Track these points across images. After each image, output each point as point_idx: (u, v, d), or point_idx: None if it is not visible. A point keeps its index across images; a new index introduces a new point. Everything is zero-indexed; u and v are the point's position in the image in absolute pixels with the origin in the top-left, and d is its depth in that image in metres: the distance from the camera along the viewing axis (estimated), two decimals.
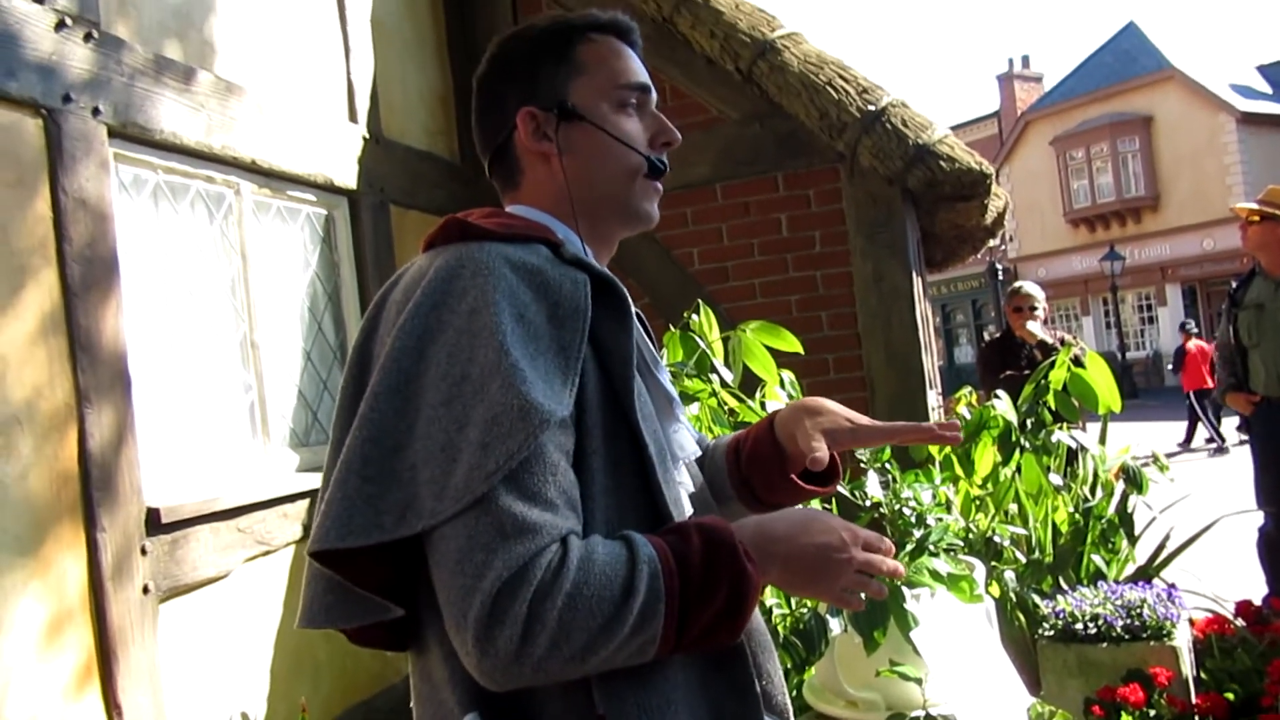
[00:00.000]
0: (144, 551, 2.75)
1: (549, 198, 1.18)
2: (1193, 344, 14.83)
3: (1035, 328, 5.23)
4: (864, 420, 1.25)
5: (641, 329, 1.19)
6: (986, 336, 31.10)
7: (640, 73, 1.22)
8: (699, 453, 1.24)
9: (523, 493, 0.92)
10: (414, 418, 0.96)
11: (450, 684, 1.01)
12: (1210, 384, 14.58)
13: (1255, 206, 4.45)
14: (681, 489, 1.15)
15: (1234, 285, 4.72)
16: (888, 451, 3.01)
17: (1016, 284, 5.59)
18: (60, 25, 2.66)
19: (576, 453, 1.00)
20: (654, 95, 1.24)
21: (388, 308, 1.09)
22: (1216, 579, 4.08)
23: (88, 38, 2.74)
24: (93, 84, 2.75)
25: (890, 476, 3.03)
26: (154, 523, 2.78)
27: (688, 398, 2.61)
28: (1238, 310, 4.51)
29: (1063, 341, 5.23)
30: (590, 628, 0.90)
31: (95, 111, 2.75)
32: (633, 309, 1.09)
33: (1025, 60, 33.30)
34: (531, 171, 1.19)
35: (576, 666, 0.92)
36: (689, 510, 1.12)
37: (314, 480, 3.45)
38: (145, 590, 2.74)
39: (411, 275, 1.09)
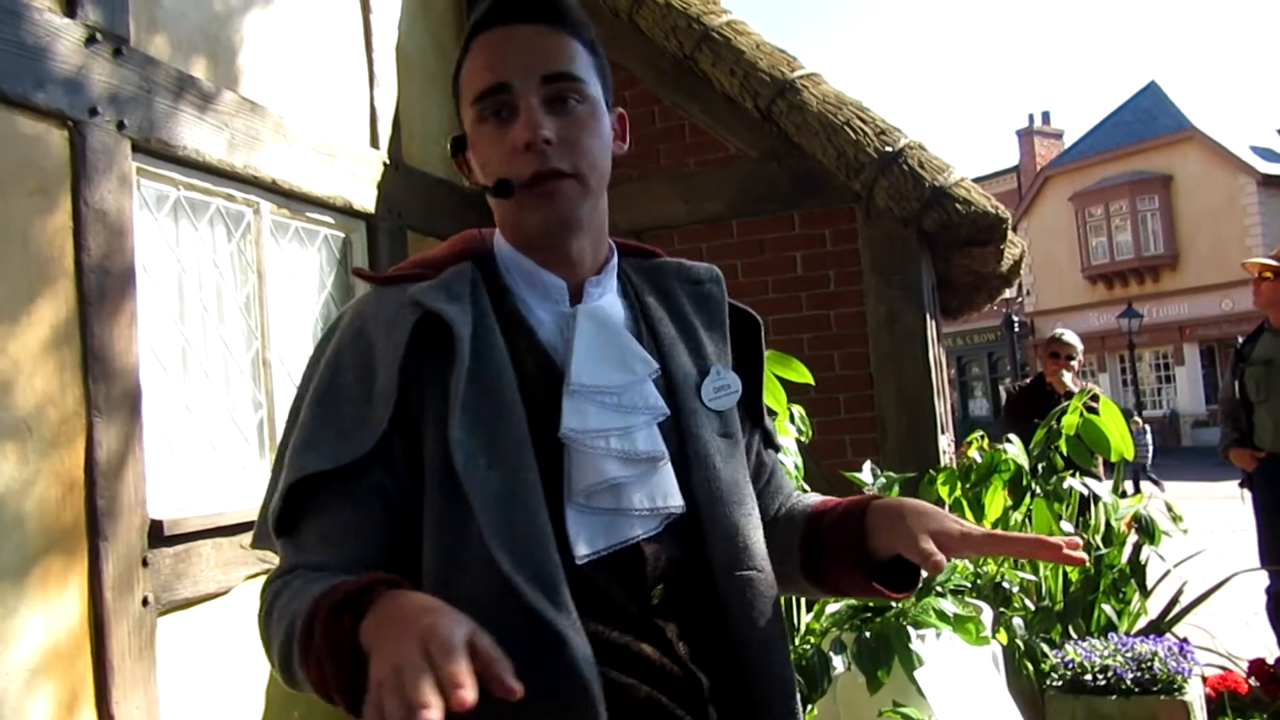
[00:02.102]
0: (145, 563, 2.74)
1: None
2: None
3: (1067, 378, 5.18)
4: (973, 528, 1.10)
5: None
6: (1003, 389, 31.02)
7: (490, 70, 1.07)
8: (604, 428, 1.08)
9: (292, 534, 1.07)
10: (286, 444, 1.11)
11: None
12: None
13: (1268, 262, 4.44)
14: (531, 495, 1.02)
15: (1241, 341, 4.69)
16: (895, 490, 2.99)
17: (1058, 331, 5.53)
18: (90, 40, 2.71)
19: (418, 485, 1.04)
20: (517, 87, 1.06)
21: None
22: (1230, 636, 4.01)
23: (116, 53, 2.79)
24: (119, 98, 2.79)
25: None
26: (157, 535, 2.78)
27: None
28: (1245, 365, 4.48)
29: (1094, 397, 5.20)
30: (267, 638, 1.03)
31: (120, 125, 2.79)
32: (466, 340, 1.04)
33: (1045, 116, 33.52)
34: None
35: (279, 668, 1.01)
36: (544, 537, 1.01)
37: None
38: (145, 603, 2.72)
39: None
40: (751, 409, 1.28)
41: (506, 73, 1.06)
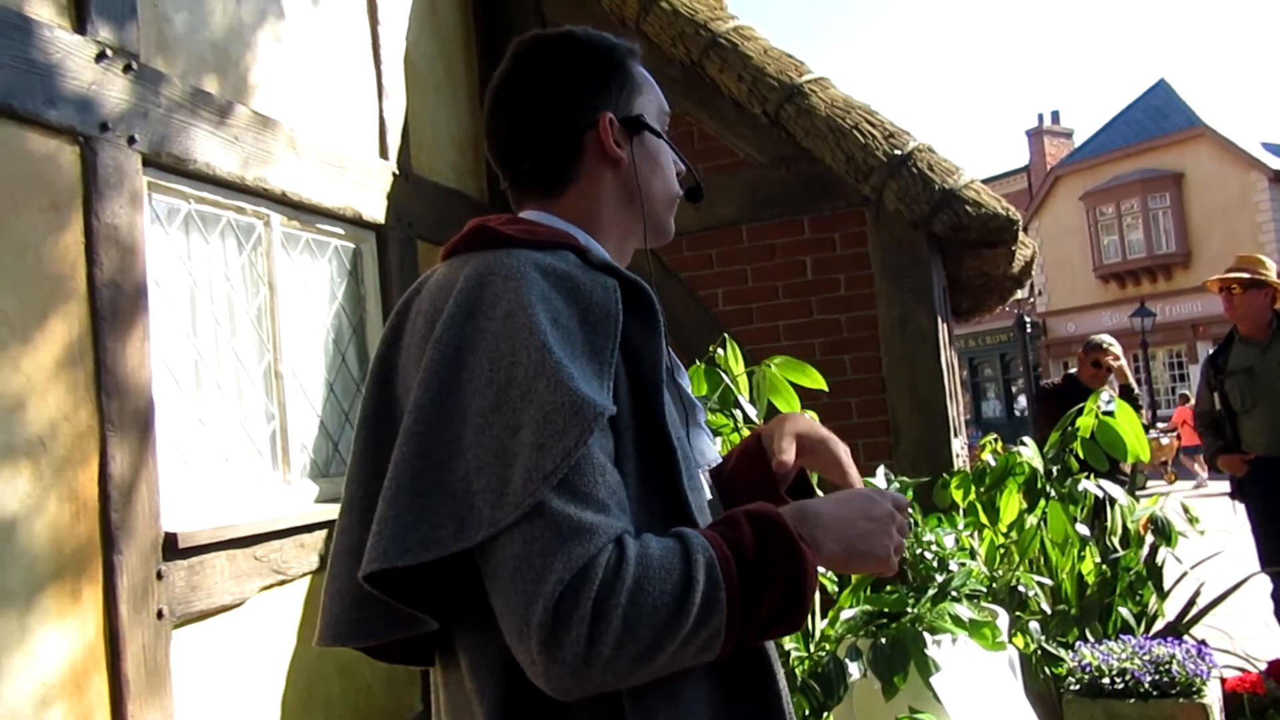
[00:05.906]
0: (160, 576, 2.74)
1: (590, 207, 1.18)
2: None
3: (1113, 382, 5.14)
4: (839, 449, 1.28)
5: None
6: (1015, 389, 30.82)
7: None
8: (719, 459, 1.23)
9: (575, 495, 0.91)
10: (461, 428, 0.94)
11: (479, 696, 1.00)
12: None
13: (1235, 275, 4.45)
14: (704, 495, 1.14)
15: (1212, 352, 4.68)
16: (910, 495, 2.98)
17: (1106, 342, 5.47)
18: (101, 57, 2.72)
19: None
20: None
21: (412, 317, 1.08)
22: (1249, 637, 3.98)
23: (127, 69, 2.80)
24: (130, 114, 2.80)
25: (911, 520, 2.99)
26: (171, 548, 2.78)
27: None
28: (1223, 376, 4.48)
29: (1136, 398, 5.19)
30: (655, 624, 0.89)
31: (131, 141, 2.80)
32: (661, 313, 1.08)
33: (1055, 115, 33.35)
34: (589, 179, 1.18)
35: (644, 666, 0.90)
36: (709, 518, 1.09)
37: (333, 511, 3.43)
38: (160, 615, 2.73)
39: (437, 283, 1.08)
40: None
41: None
